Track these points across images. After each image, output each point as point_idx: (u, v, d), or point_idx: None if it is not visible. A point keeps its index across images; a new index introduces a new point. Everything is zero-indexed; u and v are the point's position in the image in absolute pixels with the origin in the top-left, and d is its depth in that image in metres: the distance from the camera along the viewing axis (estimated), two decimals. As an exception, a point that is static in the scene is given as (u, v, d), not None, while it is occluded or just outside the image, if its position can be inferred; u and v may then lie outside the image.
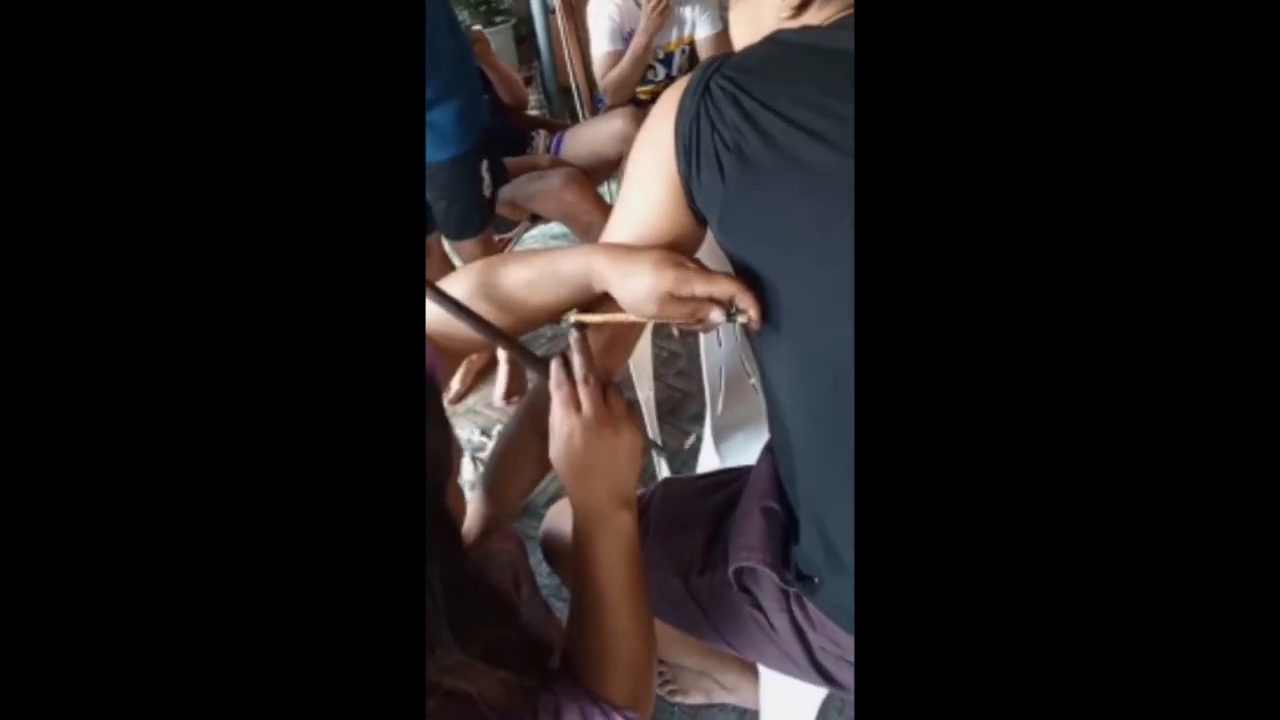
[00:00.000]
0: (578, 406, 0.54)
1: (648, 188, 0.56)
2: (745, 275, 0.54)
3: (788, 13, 0.54)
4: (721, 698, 1.05)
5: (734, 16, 0.61)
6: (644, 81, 1.92)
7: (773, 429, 0.64)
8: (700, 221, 0.56)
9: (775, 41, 0.52)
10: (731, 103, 0.49)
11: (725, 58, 0.52)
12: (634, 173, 0.57)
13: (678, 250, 0.58)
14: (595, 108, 2.02)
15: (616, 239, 0.58)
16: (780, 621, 0.66)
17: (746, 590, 0.67)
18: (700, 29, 1.89)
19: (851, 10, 0.52)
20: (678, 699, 1.07)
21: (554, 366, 0.54)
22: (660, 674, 1.08)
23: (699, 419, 1.59)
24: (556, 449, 0.54)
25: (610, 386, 0.56)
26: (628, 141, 1.66)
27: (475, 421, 1.65)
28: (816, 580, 0.61)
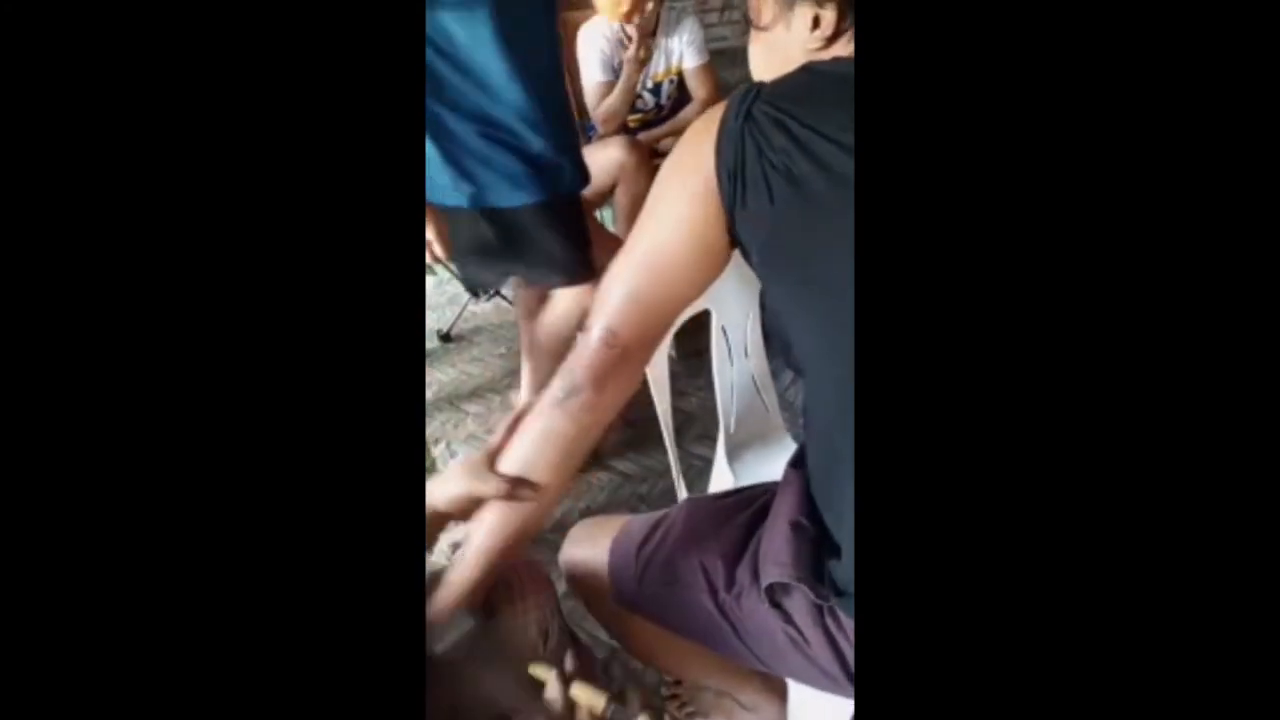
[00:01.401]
0: None
1: (679, 211, 0.56)
2: (786, 302, 0.55)
3: (817, 44, 0.55)
4: (742, 718, 1.04)
5: (754, 50, 0.62)
6: (633, 110, 1.96)
7: (811, 447, 0.65)
8: (729, 248, 0.57)
9: (811, 71, 0.53)
10: (778, 128, 0.50)
11: (761, 86, 0.53)
12: (665, 195, 0.57)
13: (706, 274, 0.58)
14: (587, 136, 2.05)
15: (639, 255, 0.58)
16: (814, 635, 0.66)
17: (778, 605, 0.68)
18: (688, 59, 1.94)
19: None
20: (697, 721, 1.06)
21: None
22: (678, 696, 1.07)
23: (701, 439, 1.60)
24: None
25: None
26: (623, 169, 1.69)
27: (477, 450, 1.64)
28: None
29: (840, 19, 0.54)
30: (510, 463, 0.60)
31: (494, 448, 0.60)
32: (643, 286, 0.58)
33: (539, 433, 0.60)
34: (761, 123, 0.51)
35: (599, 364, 0.58)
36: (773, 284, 0.57)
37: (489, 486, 0.59)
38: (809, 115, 0.50)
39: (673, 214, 0.57)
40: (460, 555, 0.61)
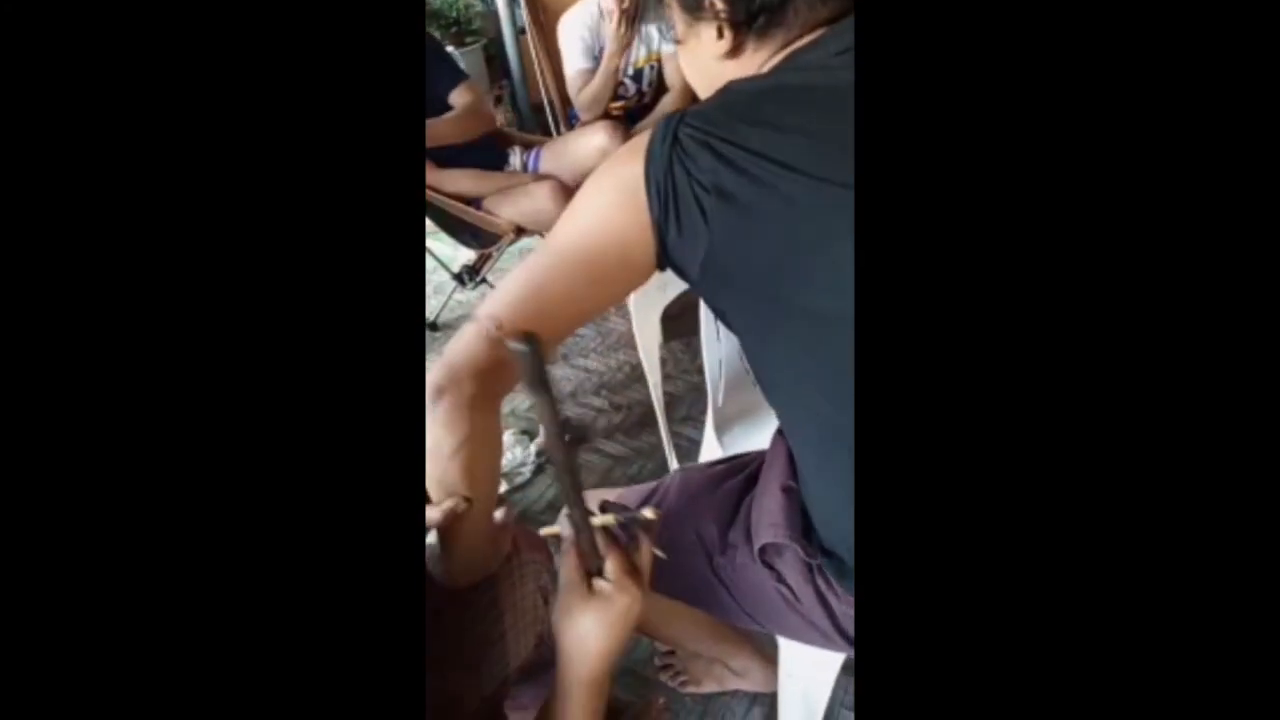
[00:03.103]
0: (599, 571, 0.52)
1: (604, 218, 0.56)
2: (731, 310, 0.57)
3: (722, 53, 0.58)
4: (733, 684, 1.08)
5: (683, 60, 0.65)
6: (615, 98, 1.98)
7: (787, 432, 0.68)
8: (649, 269, 0.57)
9: (729, 91, 0.56)
10: (704, 148, 0.52)
11: (685, 112, 0.55)
12: (590, 203, 0.57)
13: (616, 286, 0.60)
14: (570, 123, 2.06)
15: (552, 252, 0.57)
16: (805, 593, 0.70)
17: (770, 566, 0.71)
18: (666, 45, 1.96)
19: (790, 51, 0.56)
20: (690, 690, 1.09)
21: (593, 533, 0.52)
22: (671, 666, 1.10)
23: (686, 420, 1.63)
24: (571, 609, 0.52)
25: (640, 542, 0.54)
26: (605, 154, 1.71)
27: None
28: (848, 560, 0.65)
29: (736, 34, 0.57)
30: (431, 489, 0.58)
31: None
32: (548, 283, 0.56)
33: (430, 454, 0.56)
34: (687, 146, 0.52)
35: (466, 358, 0.55)
36: (714, 296, 0.59)
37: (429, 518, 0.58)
38: (730, 131, 0.52)
39: (597, 219, 0.56)
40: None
